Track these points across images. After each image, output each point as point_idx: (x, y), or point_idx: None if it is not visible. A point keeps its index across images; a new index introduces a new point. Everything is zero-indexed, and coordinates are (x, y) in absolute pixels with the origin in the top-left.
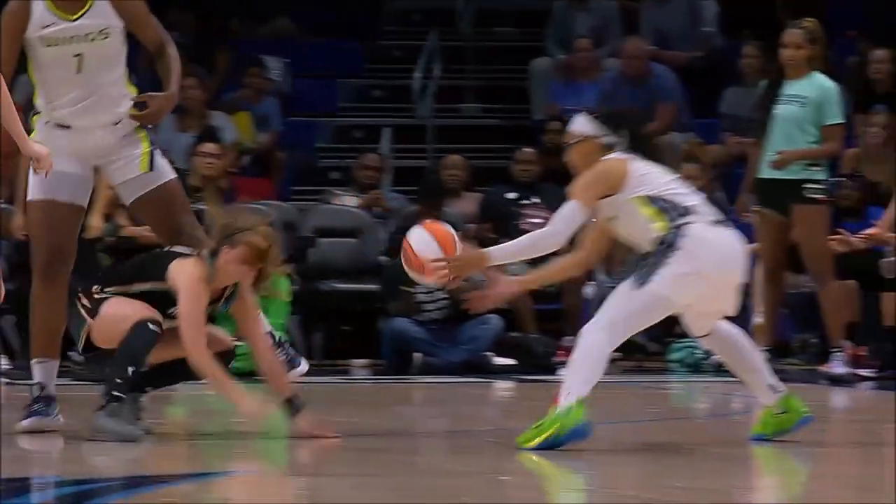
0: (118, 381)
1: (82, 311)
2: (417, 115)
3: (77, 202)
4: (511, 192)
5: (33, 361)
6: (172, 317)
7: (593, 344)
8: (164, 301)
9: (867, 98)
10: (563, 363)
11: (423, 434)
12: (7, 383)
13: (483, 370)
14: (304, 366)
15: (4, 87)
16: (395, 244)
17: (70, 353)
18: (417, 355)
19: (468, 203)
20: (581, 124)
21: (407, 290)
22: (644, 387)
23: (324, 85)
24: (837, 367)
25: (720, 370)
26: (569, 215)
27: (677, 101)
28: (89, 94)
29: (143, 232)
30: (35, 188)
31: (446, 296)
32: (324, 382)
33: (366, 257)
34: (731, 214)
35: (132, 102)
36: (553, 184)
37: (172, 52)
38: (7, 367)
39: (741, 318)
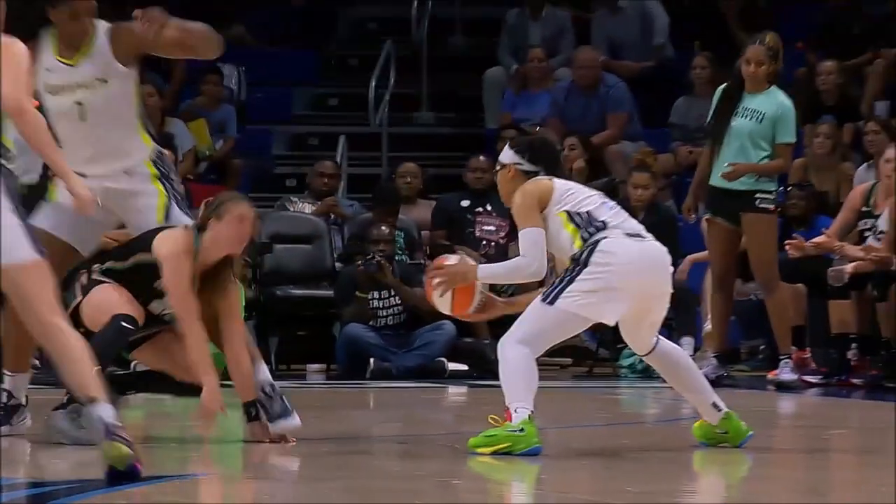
0: None
1: (77, 288)
2: (372, 123)
3: (75, 244)
4: (464, 199)
5: (5, 372)
6: (160, 292)
7: (518, 357)
8: (156, 272)
9: (815, 108)
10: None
11: (378, 438)
12: None
13: (436, 375)
14: (295, 420)
15: (44, 123)
16: (350, 250)
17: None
18: (372, 360)
19: (422, 210)
20: (504, 154)
21: (361, 296)
22: (595, 392)
23: (279, 93)
24: (785, 373)
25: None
26: (534, 241)
27: (629, 111)
28: (95, 145)
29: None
30: (39, 216)
31: (399, 302)
32: (280, 387)
33: (321, 263)
34: (679, 221)
35: (148, 152)
36: None
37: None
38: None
39: (692, 326)
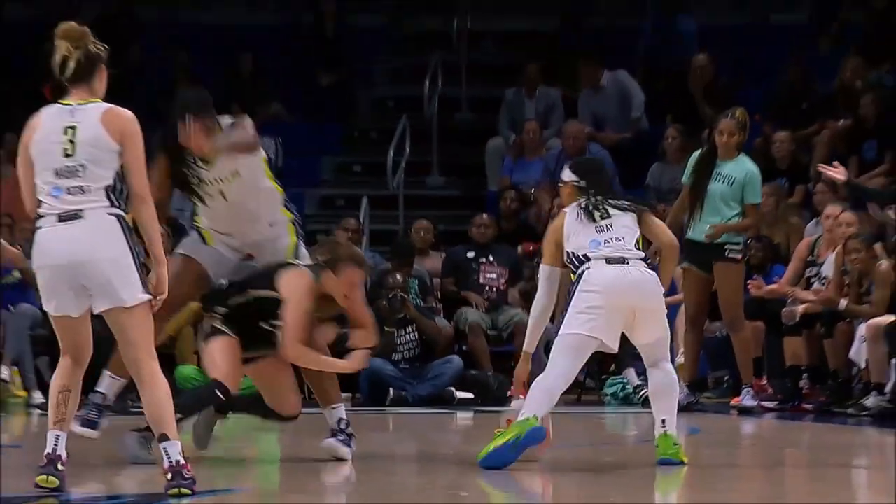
0: None
1: (202, 332)
2: (390, 186)
3: (208, 269)
4: (470, 251)
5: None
6: (276, 326)
7: (544, 380)
8: (274, 307)
9: (770, 172)
10: (516, 397)
11: (396, 457)
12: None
13: (446, 402)
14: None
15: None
16: (373, 293)
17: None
18: (391, 389)
19: (434, 261)
20: (564, 173)
21: (389, 331)
22: (582, 416)
23: (310, 161)
24: (746, 400)
25: (646, 403)
26: (544, 281)
27: (610, 175)
28: (240, 214)
29: None
30: (184, 243)
31: (415, 338)
32: (312, 413)
33: None
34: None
35: (280, 199)
36: (505, 244)
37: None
38: (41, 401)
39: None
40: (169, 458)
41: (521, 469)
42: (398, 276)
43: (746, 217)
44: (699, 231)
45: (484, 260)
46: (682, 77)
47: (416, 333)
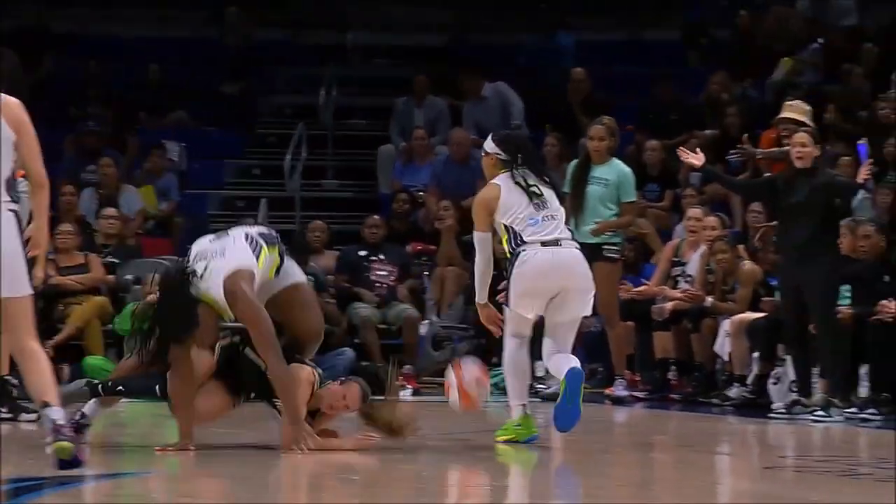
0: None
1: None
2: (288, 188)
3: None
4: (362, 250)
5: None
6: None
7: (510, 352)
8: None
9: (642, 178)
10: (403, 387)
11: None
12: None
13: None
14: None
15: (47, 200)
16: None
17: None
18: None
19: (328, 259)
20: (487, 143)
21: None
22: None
23: (213, 164)
24: (619, 390)
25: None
26: (479, 245)
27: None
28: None
29: (67, 280)
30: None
31: None
32: None
33: None
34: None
35: None
36: (395, 244)
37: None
38: None
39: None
40: (52, 420)
41: (410, 456)
42: None
43: (624, 215)
44: (582, 233)
45: (375, 258)
46: (561, 89)
47: None
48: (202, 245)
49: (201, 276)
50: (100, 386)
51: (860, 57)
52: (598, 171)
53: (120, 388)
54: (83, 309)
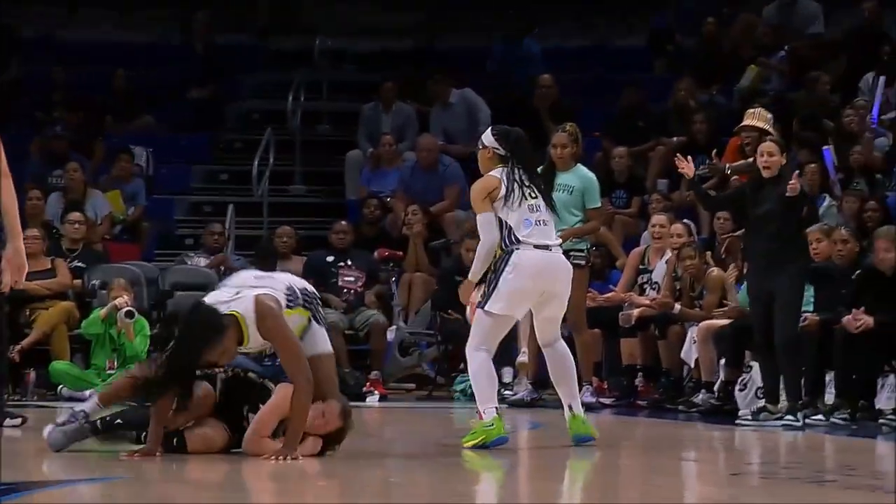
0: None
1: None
2: (255, 194)
3: None
4: (329, 255)
5: None
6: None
7: (478, 363)
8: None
9: (609, 185)
10: (371, 392)
11: None
12: None
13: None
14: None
15: (12, 190)
16: None
17: None
18: None
19: (296, 264)
20: (485, 136)
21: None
22: (433, 412)
23: (180, 170)
24: (587, 396)
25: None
26: (486, 224)
27: (461, 185)
28: None
29: (33, 285)
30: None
31: None
32: None
33: None
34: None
35: None
36: (363, 250)
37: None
38: None
39: (508, 356)
40: None
41: (378, 460)
42: None
43: (590, 221)
44: None
45: (343, 264)
46: (528, 95)
47: None
48: (243, 276)
49: (231, 298)
50: (98, 422)
51: (826, 64)
52: (563, 179)
53: (118, 421)
54: (49, 314)
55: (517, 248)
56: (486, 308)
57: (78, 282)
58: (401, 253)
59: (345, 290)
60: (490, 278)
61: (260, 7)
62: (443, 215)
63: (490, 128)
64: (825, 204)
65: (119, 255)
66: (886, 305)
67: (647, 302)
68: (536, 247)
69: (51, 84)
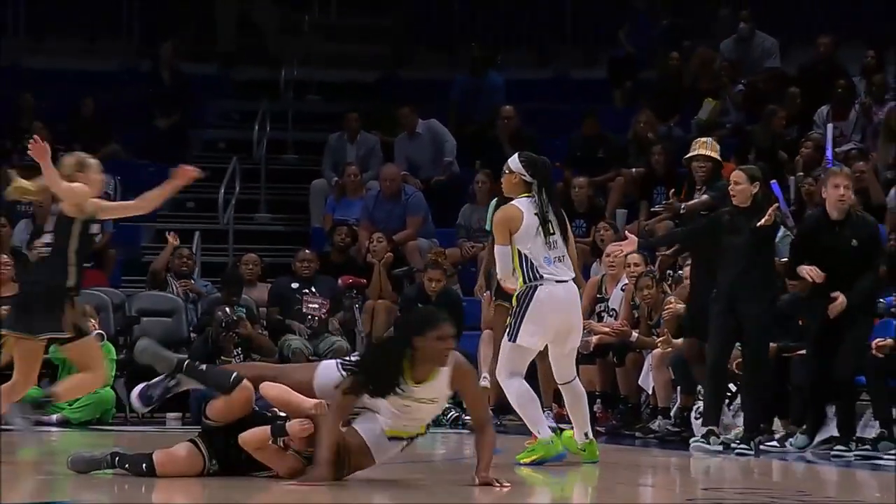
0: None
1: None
2: (221, 221)
3: None
4: (294, 282)
5: None
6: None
7: (516, 390)
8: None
9: (569, 214)
10: None
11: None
12: None
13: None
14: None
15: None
16: (202, 322)
17: None
18: None
19: (260, 291)
20: (512, 161)
21: (225, 359)
22: None
23: None
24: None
25: (454, 424)
26: (501, 256)
27: (424, 214)
28: None
29: (1, 311)
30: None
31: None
32: (142, 431)
33: (179, 333)
34: (464, 301)
35: None
36: (327, 276)
37: None
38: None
39: None
40: None
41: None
42: (227, 310)
43: None
44: None
45: (307, 291)
46: (491, 126)
47: (243, 356)
48: None
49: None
50: (117, 459)
51: (783, 98)
52: None
53: (118, 459)
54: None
55: (541, 284)
56: (515, 341)
57: None
58: (364, 280)
59: (309, 317)
60: (515, 311)
61: (226, 37)
62: (406, 243)
63: (517, 154)
64: (780, 234)
65: (85, 282)
66: (830, 258)
67: (606, 330)
68: (558, 282)
69: (17, 112)
